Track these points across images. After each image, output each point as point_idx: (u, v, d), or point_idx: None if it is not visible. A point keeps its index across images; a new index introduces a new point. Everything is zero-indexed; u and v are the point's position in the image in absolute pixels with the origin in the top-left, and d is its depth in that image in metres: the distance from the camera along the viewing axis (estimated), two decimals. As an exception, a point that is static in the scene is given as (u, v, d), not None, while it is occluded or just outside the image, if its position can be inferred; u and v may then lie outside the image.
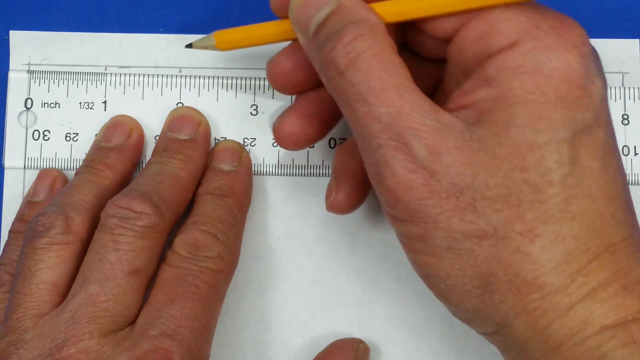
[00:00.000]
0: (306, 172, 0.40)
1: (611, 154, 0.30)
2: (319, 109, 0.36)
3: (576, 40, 0.30)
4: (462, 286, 0.30)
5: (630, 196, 0.31)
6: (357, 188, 0.36)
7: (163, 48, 0.41)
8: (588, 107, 0.29)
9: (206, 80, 0.41)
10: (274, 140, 0.40)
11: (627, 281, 0.29)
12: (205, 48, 0.37)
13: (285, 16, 0.34)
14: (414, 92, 0.30)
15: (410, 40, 0.35)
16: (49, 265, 0.34)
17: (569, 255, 0.29)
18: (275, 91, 0.40)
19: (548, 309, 0.29)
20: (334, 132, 0.40)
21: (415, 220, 0.30)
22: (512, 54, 0.29)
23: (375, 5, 0.32)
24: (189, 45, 0.38)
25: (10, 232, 0.38)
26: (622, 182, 0.31)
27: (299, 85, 0.36)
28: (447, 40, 0.32)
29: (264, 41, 0.36)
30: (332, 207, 0.36)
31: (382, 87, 0.30)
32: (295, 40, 0.35)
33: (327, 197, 0.37)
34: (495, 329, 0.31)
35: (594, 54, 0.30)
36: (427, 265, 0.31)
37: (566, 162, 0.29)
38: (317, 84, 0.35)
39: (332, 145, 0.40)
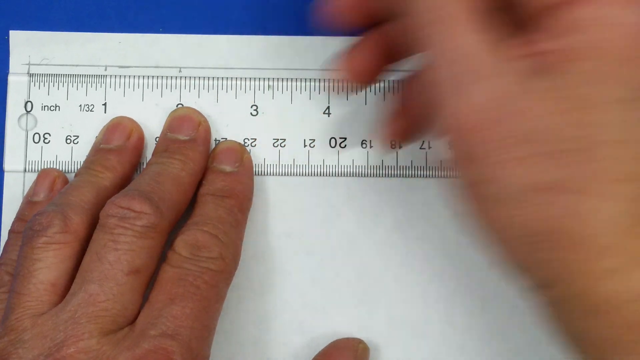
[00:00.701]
0: (307, 172, 0.40)
1: None
2: (386, 42, 0.35)
3: None
4: (517, 239, 0.29)
5: None
6: (414, 122, 0.36)
7: (163, 48, 0.41)
8: None
9: (206, 81, 0.41)
10: (274, 140, 0.40)
11: None
12: None
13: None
14: (484, 33, 0.29)
15: None
16: (47, 265, 0.34)
17: (626, 217, 0.28)
18: (275, 91, 0.40)
19: (592, 269, 0.28)
20: (335, 132, 0.40)
21: (477, 163, 0.29)
22: (583, 7, 0.28)
23: None
24: None
25: (10, 232, 0.38)
26: None
27: (364, 17, 0.35)
28: None
29: None
30: (390, 134, 0.36)
31: (451, 21, 0.29)
32: None
33: (386, 125, 0.36)
34: (544, 283, 0.30)
35: None
36: (486, 212, 0.30)
37: (635, 122, 0.28)
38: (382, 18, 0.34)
39: (333, 145, 0.40)
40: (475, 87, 0.28)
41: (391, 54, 0.36)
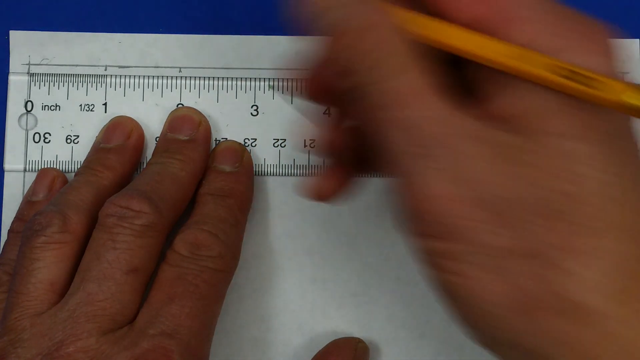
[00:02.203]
0: (307, 172, 0.40)
1: None
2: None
3: (604, 43, 0.28)
4: (497, 310, 0.27)
5: None
6: (348, 177, 0.34)
7: (163, 48, 0.41)
8: (621, 115, 0.27)
9: (206, 81, 0.41)
10: (274, 141, 0.40)
11: None
12: None
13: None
14: (443, 97, 0.27)
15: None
16: (46, 264, 0.34)
17: (613, 272, 0.26)
18: (275, 92, 0.41)
19: (592, 335, 0.26)
20: (334, 132, 0.40)
21: (443, 235, 0.27)
22: None
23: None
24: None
25: (10, 231, 0.38)
26: None
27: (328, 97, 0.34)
28: None
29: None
30: (318, 194, 0.34)
31: (408, 92, 0.27)
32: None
33: (315, 182, 0.34)
34: (537, 355, 0.27)
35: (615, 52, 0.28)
36: (457, 286, 0.27)
37: (610, 172, 0.26)
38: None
39: (332, 145, 0.40)
40: (444, 148, 0.27)
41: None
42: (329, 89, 0.33)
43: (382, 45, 0.28)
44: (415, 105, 0.27)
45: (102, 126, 0.40)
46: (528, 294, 0.26)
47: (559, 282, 0.26)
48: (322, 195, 0.34)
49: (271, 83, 0.41)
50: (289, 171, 0.40)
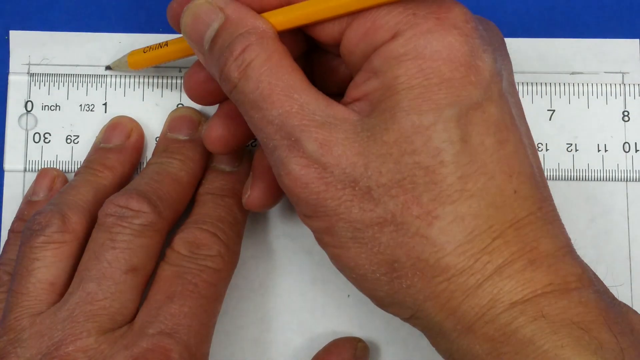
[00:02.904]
0: (306, 172, 0.40)
1: (509, 128, 0.30)
2: (237, 114, 0.36)
3: (456, 20, 0.30)
4: (371, 274, 0.31)
5: (541, 169, 0.32)
6: (271, 187, 0.36)
7: (163, 48, 0.41)
8: (475, 84, 0.29)
9: (206, 81, 0.41)
10: (274, 141, 0.40)
11: (535, 255, 0.29)
12: (121, 68, 0.39)
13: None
14: (305, 92, 0.31)
15: (317, 41, 0.35)
16: (46, 264, 0.34)
17: (470, 234, 0.29)
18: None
19: (455, 290, 0.29)
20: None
21: (317, 214, 0.31)
22: (394, 44, 0.30)
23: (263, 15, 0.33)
24: (108, 68, 0.40)
25: (10, 231, 0.38)
26: (526, 156, 0.31)
27: (215, 95, 0.36)
28: (337, 43, 0.32)
29: (171, 58, 0.37)
30: (248, 204, 0.36)
31: (271, 91, 0.30)
32: None
33: (243, 194, 0.37)
34: (410, 314, 0.31)
35: (479, 31, 0.30)
36: (337, 257, 0.31)
37: (456, 140, 0.29)
38: None
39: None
40: (306, 136, 0.30)
41: (244, 125, 0.36)
42: (212, 89, 0.36)
43: (249, 51, 0.31)
44: (278, 104, 0.30)
45: (102, 126, 0.40)
46: (393, 260, 0.30)
47: (419, 248, 0.29)
48: (253, 205, 0.37)
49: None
50: (289, 171, 0.40)
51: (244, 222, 0.39)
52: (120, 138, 0.39)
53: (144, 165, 0.39)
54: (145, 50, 0.38)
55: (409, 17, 0.30)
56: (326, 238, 0.31)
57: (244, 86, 0.31)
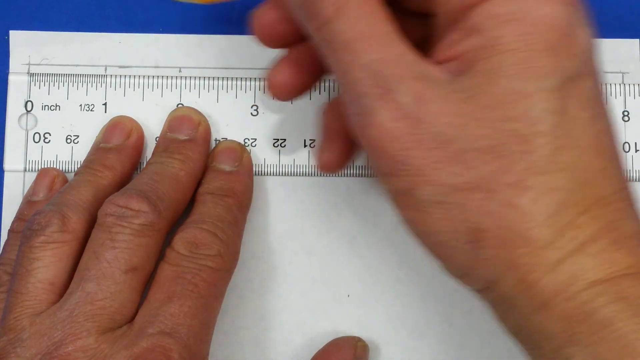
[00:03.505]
0: (307, 172, 0.40)
1: (600, 105, 0.29)
2: (308, 59, 0.35)
3: None
4: (452, 242, 0.29)
5: (620, 151, 0.31)
6: (346, 145, 0.36)
7: (163, 48, 0.41)
8: (575, 57, 0.29)
9: (206, 81, 0.41)
10: (274, 141, 0.40)
11: (617, 235, 0.28)
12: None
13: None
14: (401, 42, 0.29)
15: None
16: (46, 264, 0.34)
17: (558, 207, 0.28)
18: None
19: (537, 263, 0.28)
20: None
21: (401, 173, 0.29)
22: (497, 3, 0.29)
23: None
24: None
25: (10, 231, 0.38)
26: (612, 136, 0.30)
27: (285, 37, 0.35)
28: None
29: None
30: (325, 166, 0.36)
31: (368, 34, 0.29)
32: None
33: (319, 156, 0.36)
34: (485, 285, 0.30)
35: (579, 3, 0.30)
36: (416, 221, 0.30)
37: (555, 111, 0.28)
38: (304, 37, 0.34)
39: (332, 145, 0.40)
40: (402, 87, 0.28)
41: (315, 71, 0.36)
42: (284, 31, 0.34)
43: None
44: (375, 49, 0.29)
45: (102, 126, 0.40)
46: (479, 228, 0.28)
47: (508, 217, 0.28)
48: (326, 166, 0.36)
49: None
50: (289, 171, 0.40)
51: (244, 222, 0.39)
52: (120, 138, 0.39)
53: (144, 165, 0.39)
54: None
55: None
56: (405, 200, 0.29)
57: (338, 24, 0.29)
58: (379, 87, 0.29)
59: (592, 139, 0.29)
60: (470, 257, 0.29)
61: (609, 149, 0.29)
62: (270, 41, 0.35)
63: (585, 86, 0.29)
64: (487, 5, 0.29)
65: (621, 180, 0.29)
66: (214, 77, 0.41)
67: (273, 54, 0.40)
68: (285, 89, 0.36)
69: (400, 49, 0.29)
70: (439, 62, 0.30)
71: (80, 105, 0.40)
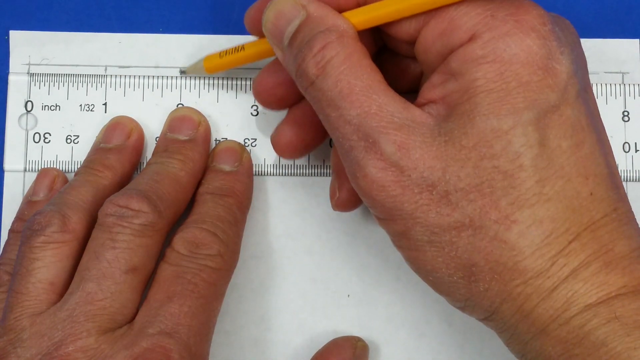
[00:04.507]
0: (307, 172, 0.40)
1: (585, 130, 0.30)
2: (311, 117, 0.36)
3: (534, 23, 0.30)
4: (448, 277, 0.31)
5: (616, 170, 0.32)
6: None
7: (163, 48, 0.41)
8: (553, 87, 0.30)
9: (206, 81, 0.41)
10: (274, 141, 0.40)
11: (610, 257, 0.29)
12: (197, 73, 0.40)
13: (260, 35, 0.36)
14: (383, 93, 0.31)
15: (387, 42, 0.35)
16: (46, 264, 0.34)
17: (547, 237, 0.29)
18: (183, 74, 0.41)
19: (532, 292, 0.29)
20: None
21: (394, 217, 0.31)
22: (472, 47, 0.30)
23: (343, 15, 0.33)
24: (183, 72, 0.40)
25: (10, 231, 0.38)
26: (602, 158, 0.31)
27: (284, 99, 0.37)
28: (412, 41, 0.32)
29: (247, 61, 0.37)
30: (338, 206, 0.37)
31: (350, 90, 0.30)
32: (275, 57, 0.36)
33: (332, 197, 0.37)
34: (486, 315, 0.31)
35: (555, 33, 0.30)
36: (414, 259, 0.31)
37: (534, 144, 0.29)
38: (303, 96, 0.35)
39: (333, 145, 0.40)
40: (384, 138, 0.30)
41: (316, 129, 0.37)
42: (282, 94, 0.36)
43: (329, 48, 0.31)
44: (357, 104, 0.30)
45: (102, 126, 0.40)
46: (471, 264, 0.30)
47: (497, 252, 0.29)
48: (341, 206, 0.37)
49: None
50: (289, 171, 0.40)
51: (244, 222, 0.39)
52: (120, 138, 0.39)
53: (144, 165, 0.39)
54: (221, 54, 0.38)
55: (487, 19, 0.30)
56: (402, 241, 0.31)
57: (322, 83, 0.31)
58: (364, 139, 0.30)
59: (576, 166, 0.30)
60: (467, 291, 0.31)
61: (597, 173, 0.30)
62: (270, 104, 0.37)
63: (565, 115, 0.30)
64: (464, 49, 0.30)
65: (613, 201, 0.30)
66: (214, 78, 0.41)
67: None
68: (289, 148, 0.37)
69: (381, 100, 0.30)
70: (423, 104, 0.31)
71: (80, 105, 0.40)
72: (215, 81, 0.41)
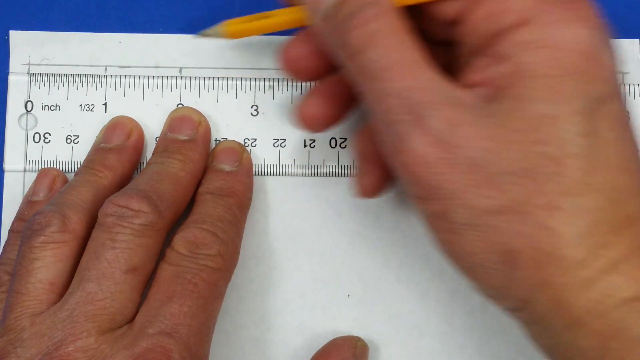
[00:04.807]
0: (307, 172, 0.40)
1: (626, 126, 0.30)
2: (339, 90, 0.36)
3: (586, 13, 0.30)
4: (486, 263, 0.30)
5: None
6: (383, 170, 0.36)
7: (163, 48, 0.41)
8: (601, 79, 0.29)
9: (206, 81, 0.41)
10: (274, 141, 0.40)
11: None
12: (216, 36, 0.37)
13: (292, 3, 0.35)
14: (430, 68, 0.30)
15: (422, 25, 0.35)
16: (46, 264, 0.34)
17: (590, 228, 0.29)
18: (275, 91, 0.41)
19: (568, 282, 0.29)
20: (336, 132, 0.40)
21: (434, 197, 0.30)
22: (523, 30, 0.30)
23: None
24: (202, 35, 0.38)
25: (10, 231, 0.38)
26: (638, 155, 0.31)
27: (315, 71, 0.36)
28: (454, 22, 0.32)
29: (274, 29, 0.36)
30: (362, 192, 0.37)
31: (399, 62, 0.30)
32: (306, 26, 0.35)
33: (356, 183, 0.37)
34: (519, 305, 0.30)
35: (603, 27, 0.30)
36: (450, 243, 0.31)
37: (584, 133, 0.29)
38: (333, 69, 0.35)
39: (333, 145, 0.40)
40: (433, 113, 0.29)
41: (346, 102, 0.36)
42: (313, 64, 0.35)
43: (376, 20, 0.30)
44: (406, 76, 0.29)
45: (102, 126, 0.40)
46: (511, 249, 0.29)
47: (540, 238, 0.29)
48: (366, 192, 0.37)
49: (270, 83, 0.40)
50: (289, 171, 0.40)
51: (244, 222, 0.39)
52: (120, 138, 0.39)
53: (144, 165, 0.39)
54: (245, 20, 0.37)
55: (539, 3, 0.30)
56: (439, 222, 0.30)
57: (369, 53, 0.30)
58: (411, 113, 0.29)
59: (621, 160, 0.29)
60: (504, 278, 0.30)
61: (636, 168, 0.30)
62: (300, 74, 0.36)
63: (612, 108, 0.30)
64: (515, 33, 0.30)
65: None
66: (214, 77, 0.41)
67: (273, 54, 0.41)
68: (317, 121, 0.36)
69: (430, 74, 0.30)
70: (467, 86, 0.31)
71: (80, 105, 0.40)
72: (215, 81, 0.41)
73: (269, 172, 0.40)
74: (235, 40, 0.41)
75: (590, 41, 0.29)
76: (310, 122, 0.36)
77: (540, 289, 0.29)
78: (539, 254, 0.29)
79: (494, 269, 0.30)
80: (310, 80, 0.37)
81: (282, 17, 0.36)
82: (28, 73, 0.41)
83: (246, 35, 0.37)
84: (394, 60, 0.30)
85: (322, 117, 0.36)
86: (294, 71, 0.36)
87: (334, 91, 0.36)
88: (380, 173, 0.36)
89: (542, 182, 0.29)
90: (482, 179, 0.29)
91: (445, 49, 0.35)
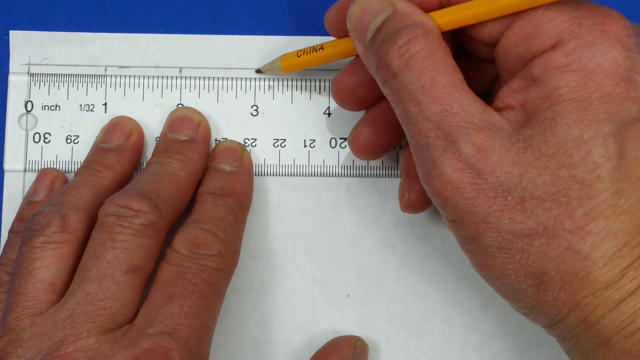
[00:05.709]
0: (307, 172, 0.40)
1: None
2: (389, 118, 0.36)
3: (620, 34, 0.30)
4: (517, 284, 0.31)
5: None
6: None
7: (163, 48, 0.41)
8: (634, 100, 0.30)
9: (206, 81, 0.41)
10: (274, 141, 0.40)
11: None
12: (272, 72, 0.40)
13: (339, 36, 0.36)
14: (465, 93, 0.30)
15: (465, 44, 0.35)
16: (46, 264, 0.34)
17: (619, 250, 0.29)
18: (275, 91, 0.41)
19: (599, 304, 0.29)
20: (336, 132, 0.40)
21: (465, 220, 0.30)
22: (556, 54, 0.30)
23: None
24: (259, 71, 0.40)
25: (10, 231, 0.38)
26: None
27: (364, 100, 0.37)
28: (494, 43, 0.32)
29: (325, 61, 0.38)
30: (407, 207, 0.37)
31: (433, 86, 0.30)
32: (353, 57, 0.36)
33: (400, 198, 0.37)
34: (550, 323, 0.31)
35: (637, 48, 0.30)
36: (482, 264, 0.31)
37: (613, 156, 0.29)
38: (382, 97, 0.36)
39: (333, 145, 0.40)
40: (464, 138, 0.30)
41: (394, 129, 0.37)
42: (362, 94, 0.37)
43: (415, 43, 0.31)
44: (439, 100, 0.30)
45: (102, 126, 0.40)
46: (542, 272, 0.30)
47: (569, 262, 0.29)
48: (412, 207, 0.37)
49: (270, 83, 0.41)
50: (289, 171, 0.40)
51: (244, 222, 0.39)
52: (120, 138, 0.39)
53: (144, 165, 0.39)
54: (298, 54, 0.38)
55: (573, 27, 0.30)
56: (471, 245, 0.31)
57: (404, 76, 0.31)
58: (443, 138, 0.30)
59: None
60: (535, 299, 0.31)
61: None
62: (349, 104, 0.37)
63: (639, 126, 0.30)
64: (547, 56, 0.30)
65: None
66: (214, 77, 0.41)
67: (273, 54, 0.41)
68: (367, 149, 0.37)
69: (463, 99, 0.30)
70: (501, 108, 0.31)
71: (80, 105, 0.40)
72: (215, 81, 0.41)
73: (269, 172, 0.40)
74: (236, 40, 0.41)
75: (623, 63, 0.30)
76: (363, 152, 0.37)
77: (570, 310, 0.30)
78: (569, 276, 0.29)
79: (525, 290, 0.30)
80: (360, 109, 0.38)
81: (332, 49, 0.37)
82: (28, 73, 0.41)
83: (300, 69, 0.39)
84: (428, 84, 0.30)
85: (372, 145, 0.37)
86: (345, 102, 0.37)
87: (380, 119, 0.37)
88: (423, 190, 0.36)
89: (571, 206, 0.29)
90: (512, 204, 0.29)
91: (492, 66, 0.35)
